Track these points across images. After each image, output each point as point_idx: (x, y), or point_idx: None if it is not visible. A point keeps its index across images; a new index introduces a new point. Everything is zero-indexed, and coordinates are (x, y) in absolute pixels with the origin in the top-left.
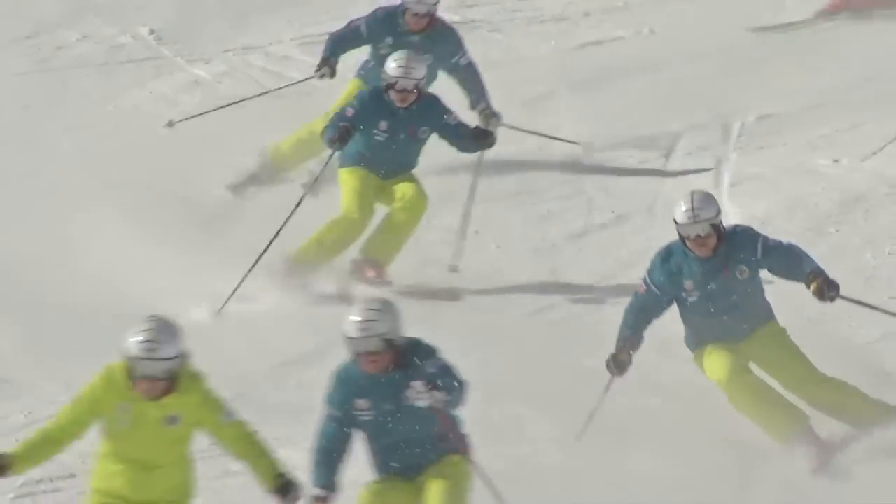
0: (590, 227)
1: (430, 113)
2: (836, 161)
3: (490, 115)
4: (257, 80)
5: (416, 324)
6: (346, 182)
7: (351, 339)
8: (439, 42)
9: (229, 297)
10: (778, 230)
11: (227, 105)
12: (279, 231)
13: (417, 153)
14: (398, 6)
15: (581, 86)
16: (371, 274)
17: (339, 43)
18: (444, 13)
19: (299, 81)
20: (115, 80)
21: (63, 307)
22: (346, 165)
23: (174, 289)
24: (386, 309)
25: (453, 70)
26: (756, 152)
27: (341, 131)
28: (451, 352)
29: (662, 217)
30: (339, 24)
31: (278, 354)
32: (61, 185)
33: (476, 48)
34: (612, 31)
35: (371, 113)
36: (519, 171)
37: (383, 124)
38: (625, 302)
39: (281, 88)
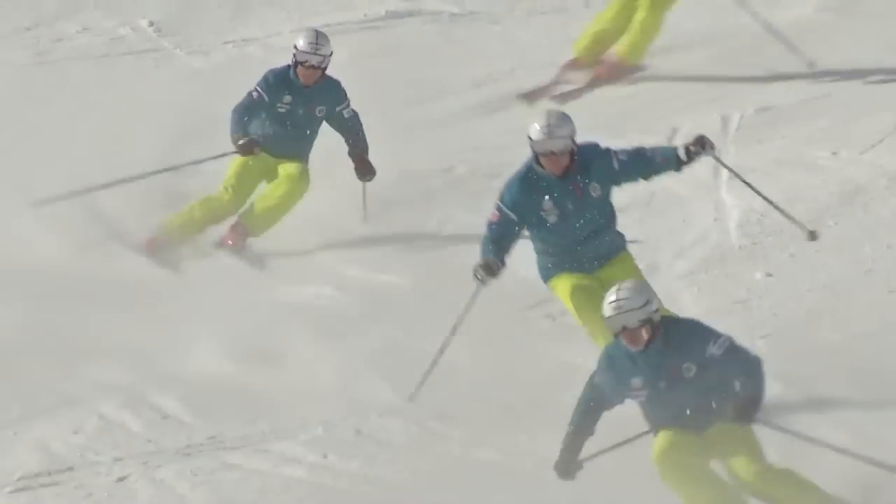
0: None
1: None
2: (834, 154)
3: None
4: (256, 72)
5: (412, 317)
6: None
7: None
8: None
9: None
10: (776, 223)
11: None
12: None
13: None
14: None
15: (579, 77)
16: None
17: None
18: (443, 5)
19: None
20: (114, 72)
21: (64, 295)
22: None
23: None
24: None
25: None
26: (755, 145)
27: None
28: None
29: (660, 209)
30: (339, 15)
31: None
32: (61, 176)
33: (475, 40)
34: None
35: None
36: (517, 162)
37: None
38: None
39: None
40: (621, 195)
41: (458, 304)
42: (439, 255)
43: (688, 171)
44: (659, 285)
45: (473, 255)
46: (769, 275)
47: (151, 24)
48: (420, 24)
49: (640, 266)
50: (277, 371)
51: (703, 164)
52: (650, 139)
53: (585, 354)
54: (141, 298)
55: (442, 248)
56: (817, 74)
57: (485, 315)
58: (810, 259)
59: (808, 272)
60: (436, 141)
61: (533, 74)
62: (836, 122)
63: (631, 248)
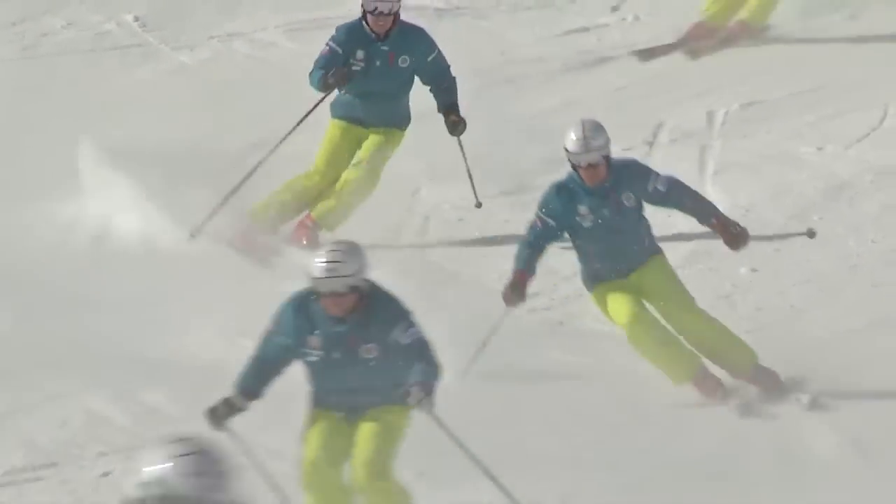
0: None
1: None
2: (820, 149)
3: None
4: (242, 66)
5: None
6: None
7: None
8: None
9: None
10: (762, 218)
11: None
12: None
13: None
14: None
15: (565, 72)
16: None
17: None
18: (429, 0)
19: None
20: (100, 66)
21: (52, 289)
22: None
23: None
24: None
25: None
26: (740, 139)
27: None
28: (442, 342)
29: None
30: (326, 11)
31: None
32: (49, 170)
33: (461, 35)
34: (597, 17)
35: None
36: (505, 159)
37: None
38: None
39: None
40: None
41: (452, 295)
42: (424, 251)
43: (673, 165)
44: None
45: (463, 246)
46: (754, 270)
47: (137, 18)
48: (405, 19)
49: None
50: None
51: (687, 159)
52: (636, 134)
53: (582, 355)
54: (131, 292)
55: (427, 243)
56: (803, 70)
57: (479, 314)
58: (795, 254)
59: (793, 267)
60: (420, 134)
61: (519, 69)
62: (821, 117)
63: None
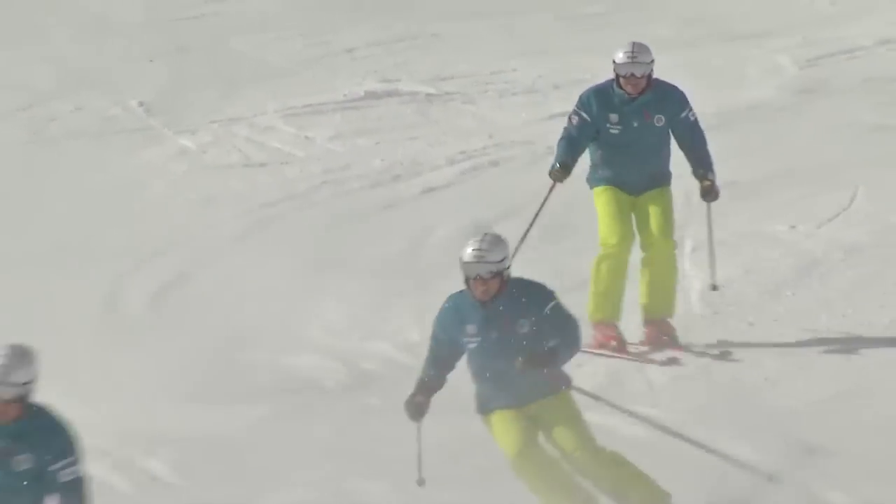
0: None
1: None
2: (793, 227)
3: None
4: (241, 149)
5: (399, 384)
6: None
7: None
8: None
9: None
10: (736, 294)
11: None
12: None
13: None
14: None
15: (550, 155)
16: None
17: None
18: (420, 86)
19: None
20: (106, 149)
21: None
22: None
23: None
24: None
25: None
26: (717, 218)
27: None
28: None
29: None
30: (321, 96)
31: None
32: (55, 255)
33: (451, 119)
34: None
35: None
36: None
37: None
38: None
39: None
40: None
41: None
42: (421, 324)
43: None
44: None
45: None
46: (730, 343)
47: (142, 104)
48: (398, 104)
49: None
50: (264, 432)
51: None
52: None
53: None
54: (129, 361)
55: (423, 317)
56: (778, 152)
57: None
58: (769, 328)
59: (767, 340)
60: (412, 215)
61: (506, 152)
62: (794, 197)
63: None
